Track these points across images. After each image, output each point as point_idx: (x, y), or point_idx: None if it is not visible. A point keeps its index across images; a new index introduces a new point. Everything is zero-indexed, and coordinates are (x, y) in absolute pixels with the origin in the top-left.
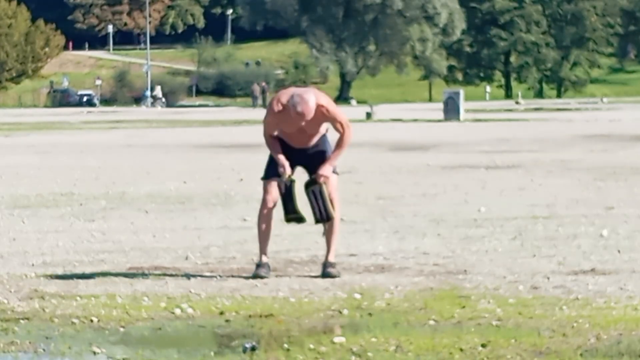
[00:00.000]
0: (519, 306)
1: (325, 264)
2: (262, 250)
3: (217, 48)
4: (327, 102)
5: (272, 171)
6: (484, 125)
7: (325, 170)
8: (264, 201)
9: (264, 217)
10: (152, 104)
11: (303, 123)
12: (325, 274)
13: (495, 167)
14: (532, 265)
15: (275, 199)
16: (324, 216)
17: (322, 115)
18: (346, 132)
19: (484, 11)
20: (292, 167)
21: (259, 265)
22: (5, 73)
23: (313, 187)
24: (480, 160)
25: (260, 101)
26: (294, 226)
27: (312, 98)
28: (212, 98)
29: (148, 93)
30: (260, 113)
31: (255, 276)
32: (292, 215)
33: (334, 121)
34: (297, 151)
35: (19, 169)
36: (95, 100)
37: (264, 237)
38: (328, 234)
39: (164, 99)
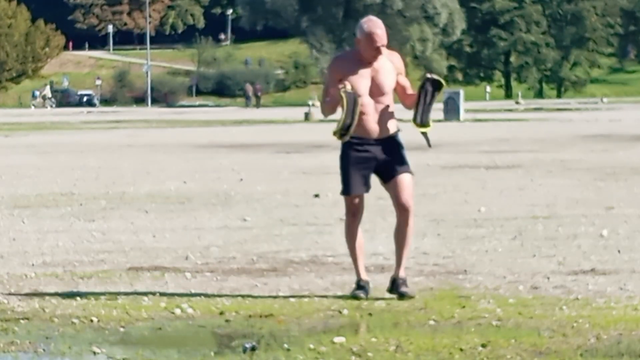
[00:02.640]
0: (519, 306)
1: (397, 281)
2: (358, 268)
3: (217, 48)
4: (396, 52)
5: (351, 183)
6: (484, 125)
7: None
8: (350, 216)
9: (353, 234)
10: (42, 105)
11: (378, 55)
12: (401, 294)
13: (495, 167)
14: (532, 265)
15: (361, 212)
16: (423, 119)
17: (393, 58)
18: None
19: (484, 11)
20: (367, 176)
21: (359, 286)
22: (5, 73)
23: (430, 85)
24: (480, 160)
25: (253, 101)
26: (293, 226)
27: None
28: (212, 98)
29: (37, 93)
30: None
31: (353, 296)
32: (348, 128)
33: (401, 75)
34: (371, 149)
35: (19, 169)
36: (95, 100)
37: (358, 254)
38: (400, 246)
39: (53, 99)
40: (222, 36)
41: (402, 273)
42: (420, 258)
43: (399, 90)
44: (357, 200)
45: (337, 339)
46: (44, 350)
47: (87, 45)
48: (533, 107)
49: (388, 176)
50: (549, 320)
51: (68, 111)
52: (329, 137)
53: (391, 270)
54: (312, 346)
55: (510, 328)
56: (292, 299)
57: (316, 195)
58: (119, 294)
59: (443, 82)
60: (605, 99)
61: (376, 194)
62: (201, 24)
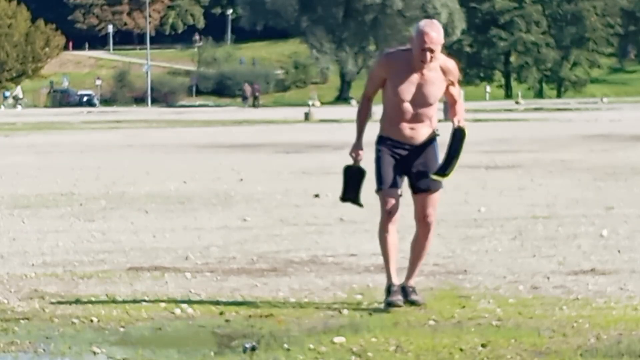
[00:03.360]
0: (519, 306)
1: (407, 289)
2: (389, 273)
3: (217, 48)
4: (451, 60)
5: (386, 179)
6: (484, 125)
7: (460, 118)
8: (385, 215)
9: (388, 235)
10: (13, 105)
11: (429, 59)
12: (411, 301)
13: (495, 167)
14: (532, 265)
15: (396, 210)
16: (441, 170)
17: (447, 69)
18: (460, 101)
19: (484, 11)
20: (400, 176)
21: (390, 290)
22: (5, 73)
23: (457, 132)
24: (480, 160)
25: (250, 101)
26: (293, 226)
27: (442, 30)
28: (212, 98)
29: (8, 93)
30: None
31: (389, 304)
32: (351, 200)
33: (453, 85)
34: (405, 154)
35: (19, 169)
36: (95, 100)
37: (391, 255)
38: (416, 257)
39: (25, 100)
40: (197, 37)
41: (411, 282)
42: None
43: (449, 100)
44: (392, 197)
45: (337, 339)
46: (44, 350)
47: (87, 45)
48: (533, 107)
49: (418, 189)
50: (549, 320)
51: (68, 111)
52: (329, 137)
53: None
54: (312, 346)
55: (510, 328)
56: (292, 299)
57: (316, 195)
58: (119, 294)
59: (465, 131)
60: (605, 99)
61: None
62: (201, 24)
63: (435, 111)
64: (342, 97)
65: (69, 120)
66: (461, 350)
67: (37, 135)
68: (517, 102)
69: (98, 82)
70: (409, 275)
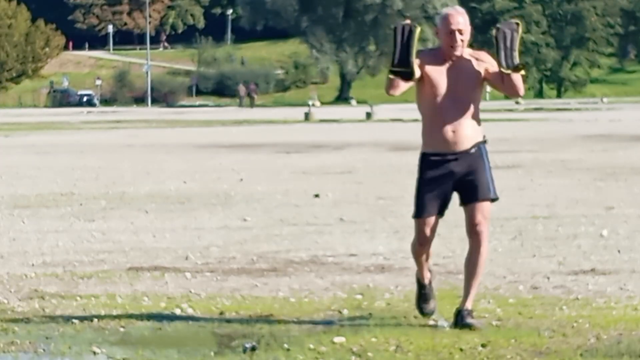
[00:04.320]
0: (519, 306)
1: (463, 312)
2: (423, 274)
3: (217, 48)
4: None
5: (426, 208)
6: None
7: None
8: (421, 239)
9: (419, 255)
10: None
11: (458, 43)
12: (467, 325)
13: (495, 167)
14: (532, 265)
15: (431, 239)
16: (509, 63)
17: (477, 55)
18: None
19: (484, 11)
20: (444, 198)
21: (422, 292)
22: (5, 73)
23: (506, 28)
24: None
25: (246, 102)
26: (293, 226)
27: (468, 20)
28: (212, 98)
29: None
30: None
31: (422, 311)
32: (403, 68)
33: (491, 66)
34: (450, 166)
35: (19, 169)
36: (95, 100)
37: (424, 264)
38: (470, 276)
39: None
40: (163, 37)
41: (468, 305)
42: None
43: (492, 79)
44: (428, 226)
45: (337, 339)
46: (44, 350)
47: (87, 45)
48: (533, 107)
49: (466, 199)
50: (549, 320)
51: (68, 111)
52: (329, 137)
53: (391, 270)
54: (312, 346)
55: (510, 328)
56: (292, 299)
57: (316, 195)
58: (119, 294)
59: (518, 21)
60: (605, 99)
61: (376, 193)
62: (201, 24)
63: (477, 109)
64: (342, 97)
65: (69, 120)
66: (461, 350)
67: (37, 135)
68: (517, 102)
69: (98, 82)
70: (465, 297)
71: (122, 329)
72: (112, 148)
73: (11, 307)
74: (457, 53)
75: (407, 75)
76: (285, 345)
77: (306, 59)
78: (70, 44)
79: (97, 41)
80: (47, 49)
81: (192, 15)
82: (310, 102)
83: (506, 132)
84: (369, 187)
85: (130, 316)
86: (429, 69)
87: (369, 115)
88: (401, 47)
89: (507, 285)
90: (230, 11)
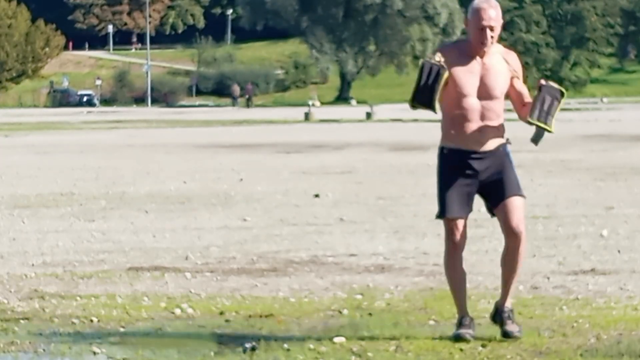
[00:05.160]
0: (519, 306)
1: (503, 313)
2: (460, 305)
3: (217, 48)
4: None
5: (450, 206)
6: None
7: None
8: (451, 244)
9: (454, 265)
10: None
11: (487, 57)
12: (505, 333)
13: None
14: (532, 265)
15: (463, 240)
16: (540, 120)
17: (508, 57)
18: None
19: None
20: (469, 197)
21: (461, 323)
22: (5, 73)
23: (547, 94)
24: None
25: (242, 102)
26: (293, 226)
27: (501, 12)
28: (212, 98)
29: None
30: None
31: (457, 337)
32: (424, 105)
33: (517, 78)
34: (475, 165)
35: (19, 169)
36: (95, 100)
37: (459, 288)
38: (508, 273)
39: None
40: (134, 38)
41: (508, 303)
42: (420, 258)
43: (513, 96)
44: (457, 225)
45: (337, 339)
46: (44, 350)
47: (87, 45)
48: None
49: (496, 199)
50: (549, 320)
51: (68, 111)
52: (329, 137)
53: (391, 270)
54: (312, 346)
55: None
56: (292, 299)
57: (316, 195)
58: (119, 294)
59: (563, 90)
60: (605, 99)
61: (376, 193)
62: (201, 24)
63: (502, 109)
64: (342, 97)
65: (69, 120)
66: (461, 350)
67: (37, 135)
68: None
69: (98, 82)
70: (504, 296)
71: (122, 329)
72: (112, 148)
73: (11, 307)
74: (487, 50)
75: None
76: (285, 345)
77: (306, 59)
78: (70, 44)
79: (97, 41)
80: (47, 49)
81: (192, 15)
82: (310, 102)
83: (506, 132)
84: (369, 187)
85: (130, 316)
86: (455, 67)
87: (369, 115)
88: (424, 87)
89: None
90: (230, 11)
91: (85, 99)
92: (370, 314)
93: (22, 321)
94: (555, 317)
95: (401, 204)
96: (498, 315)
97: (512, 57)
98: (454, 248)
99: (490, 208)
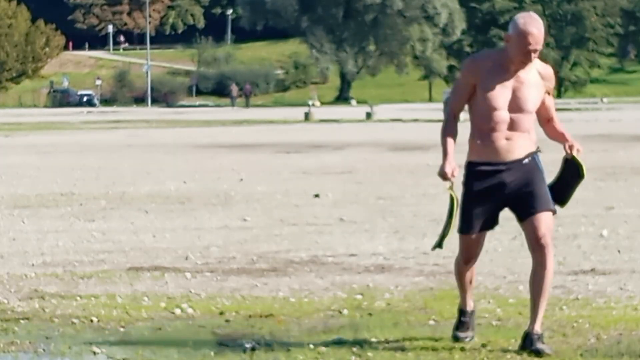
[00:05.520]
0: (519, 306)
1: (532, 336)
2: (465, 298)
3: (217, 48)
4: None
5: (472, 223)
6: None
7: (576, 142)
8: (464, 257)
9: (463, 274)
10: None
11: (522, 73)
12: (537, 351)
13: None
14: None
15: (476, 256)
16: (558, 196)
17: (545, 73)
18: (556, 118)
19: (484, 11)
20: (493, 211)
21: (460, 319)
22: (5, 73)
23: (569, 176)
24: None
25: (240, 102)
26: (293, 226)
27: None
28: (212, 98)
29: None
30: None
31: (455, 338)
32: (444, 240)
33: (549, 94)
34: (502, 177)
35: (19, 169)
36: (95, 100)
37: (467, 286)
38: (536, 294)
39: None
40: (121, 38)
41: (537, 327)
42: (420, 258)
43: (541, 110)
44: (473, 243)
45: (337, 339)
46: (44, 350)
47: (87, 45)
48: None
49: (524, 213)
50: (549, 320)
51: (68, 111)
52: (329, 137)
53: (391, 270)
54: (312, 346)
55: (510, 328)
56: (292, 299)
57: (316, 195)
58: (119, 294)
59: (584, 171)
60: (605, 99)
61: (376, 193)
62: (201, 24)
63: (533, 121)
64: (342, 97)
65: (69, 120)
66: (461, 350)
67: (37, 135)
68: None
69: (98, 82)
70: (533, 320)
71: (122, 329)
72: (112, 148)
73: (11, 307)
74: (526, 68)
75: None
76: (285, 345)
77: (306, 59)
78: (70, 44)
79: (97, 41)
80: (47, 49)
81: (192, 15)
82: (310, 102)
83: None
84: (369, 187)
85: (130, 316)
86: (487, 77)
87: (369, 115)
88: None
89: (507, 285)
90: (230, 11)
91: (85, 99)
92: (370, 314)
93: (22, 321)
94: (555, 317)
95: (401, 204)
96: (528, 340)
97: (549, 72)
98: (464, 265)
99: (518, 221)
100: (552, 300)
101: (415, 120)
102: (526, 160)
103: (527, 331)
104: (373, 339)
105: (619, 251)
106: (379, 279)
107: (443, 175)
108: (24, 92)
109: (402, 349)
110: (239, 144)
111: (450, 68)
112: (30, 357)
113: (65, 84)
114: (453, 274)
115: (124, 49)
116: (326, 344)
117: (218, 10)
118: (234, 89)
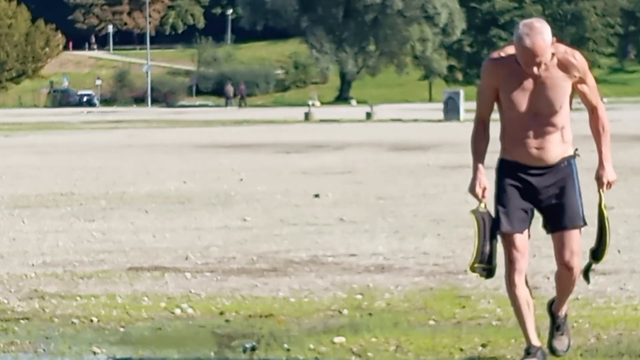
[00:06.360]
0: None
1: (557, 320)
2: (527, 331)
3: (217, 48)
4: (573, 51)
5: (508, 219)
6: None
7: (609, 172)
8: (508, 262)
9: (515, 286)
10: None
11: (537, 71)
12: (552, 349)
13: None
14: (532, 265)
15: (523, 256)
16: (596, 251)
17: (568, 64)
18: (601, 107)
19: (484, 11)
20: (527, 212)
21: (529, 352)
22: (5, 73)
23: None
24: None
25: (236, 102)
26: (293, 226)
27: (548, 29)
28: (212, 98)
29: None
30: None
31: None
32: (484, 264)
33: (582, 82)
34: (533, 181)
35: (19, 169)
36: (95, 100)
37: (525, 313)
38: (562, 291)
39: None
40: (108, 39)
41: (562, 312)
42: (420, 258)
43: (583, 101)
44: (515, 242)
45: (337, 339)
46: (44, 350)
47: (87, 45)
48: None
49: (552, 225)
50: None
51: (68, 111)
52: (329, 137)
53: (391, 270)
54: (312, 346)
55: (510, 328)
56: (292, 299)
57: (316, 195)
58: (119, 294)
59: (607, 229)
60: (605, 99)
61: (376, 193)
62: (201, 24)
63: (567, 119)
64: (342, 97)
65: (69, 120)
66: (461, 350)
67: (37, 135)
68: None
69: (98, 82)
70: (558, 303)
71: (122, 329)
72: (112, 148)
73: (11, 307)
74: (537, 74)
75: (489, 273)
76: (285, 345)
77: (306, 59)
78: (71, 44)
79: (97, 41)
80: (47, 49)
81: (192, 15)
82: (310, 102)
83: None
84: (369, 187)
85: (130, 316)
86: (506, 80)
87: (369, 115)
88: (480, 242)
89: None
90: (230, 11)
91: (85, 99)
92: (370, 314)
93: (22, 321)
94: None
95: (401, 204)
96: (552, 318)
97: (573, 57)
98: (512, 268)
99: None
100: None
101: (415, 120)
102: (561, 165)
103: (552, 309)
104: (373, 339)
105: (619, 251)
106: (379, 279)
107: (473, 195)
108: (24, 92)
109: (402, 349)
110: (239, 144)
111: (450, 68)
112: (30, 357)
113: (65, 84)
114: (453, 274)
115: (93, 49)
116: (326, 344)
117: (218, 10)
118: (230, 89)
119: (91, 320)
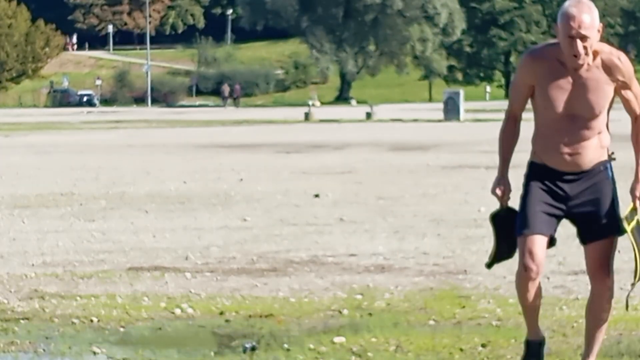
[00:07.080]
0: (519, 306)
1: None
2: (529, 323)
3: (217, 48)
4: (619, 52)
5: (532, 222)
6: (484, 125)
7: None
8: (522, 268)
9: (525, 289)
10: None
11: (581, 53)
12: None
13: (496, 167)
14: None
15: (539, 264)
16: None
17: (612, 66)
18: None
19: (484, 11)
20: (553, 218)
21: (528, 347)
22: (5, 73)
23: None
24: (480, 160)
25: (230, 101)
26: (293, 226)
27: (596, 10)
28: (212, 98)
29: None
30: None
31: None
32: (503, 257)
33: (626, 88)
34: (564, 187)
35: (19, 169)
36: (95, 100)
37: (530, 308)
38: (593, 325)
39: None
40: (73, 40)
41: None
42: (420, 258)
43: (626, 108)
44: (534, 247)
45: (337, 339)
46: (44, 350)
47: (87, 45)
48: None
49: (586, 235)
50: (549, 320)
51: (68, 111)
52: (329, 137)
53: (391, 270)
54: (312, 346)
55: (510, 328)
56: (292, 299)
57: (316, 195)
58: (119, 294)
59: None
60: None
61: (376, 193)
62: (201, 24)
63: (604, 123)
64: (342, 97)
65: (69, 120)
66: (461, 350)
67: (37, 135)
68: None
69: (98, 82)
70: (588, 353)
71: (122, 329)
72: (112, 148)
73: (11, 307)
74: (581, 62)
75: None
76: (285, 345)
77: (306, 59)
78: (71, 44)
79: (97, 41)
80: (47, 49)
81: (192, 15)
82: (310, 102)
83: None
84: (369, 187)
85: (130, 316)
86: (544, 77)
87: (369, 115)
88: (500, 241)
89: (507, 285)
90: (230, 11)
91: (85, 99)
92: (370, 314)
93: (22, 321)
94: (555, 317)
95: (401, 204)
96: None
97: (618, 59)
98: (526, 274)
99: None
100: (552, 300)
101: (415, 120)
102: (597, 169)
103: None
104: (373, 339)
105: (619, 251)
106: (379, 279)
107: (493, 195)
108: (24, 92)
109: (402, 349)
110: (239, 144)
111: (450, 68)
112: (30, 357)
113: (65, 84)
114: (453, 274)
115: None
116: (326, 344)
117: (218, 10)
118: (226, 89)
119: (91, 320)
